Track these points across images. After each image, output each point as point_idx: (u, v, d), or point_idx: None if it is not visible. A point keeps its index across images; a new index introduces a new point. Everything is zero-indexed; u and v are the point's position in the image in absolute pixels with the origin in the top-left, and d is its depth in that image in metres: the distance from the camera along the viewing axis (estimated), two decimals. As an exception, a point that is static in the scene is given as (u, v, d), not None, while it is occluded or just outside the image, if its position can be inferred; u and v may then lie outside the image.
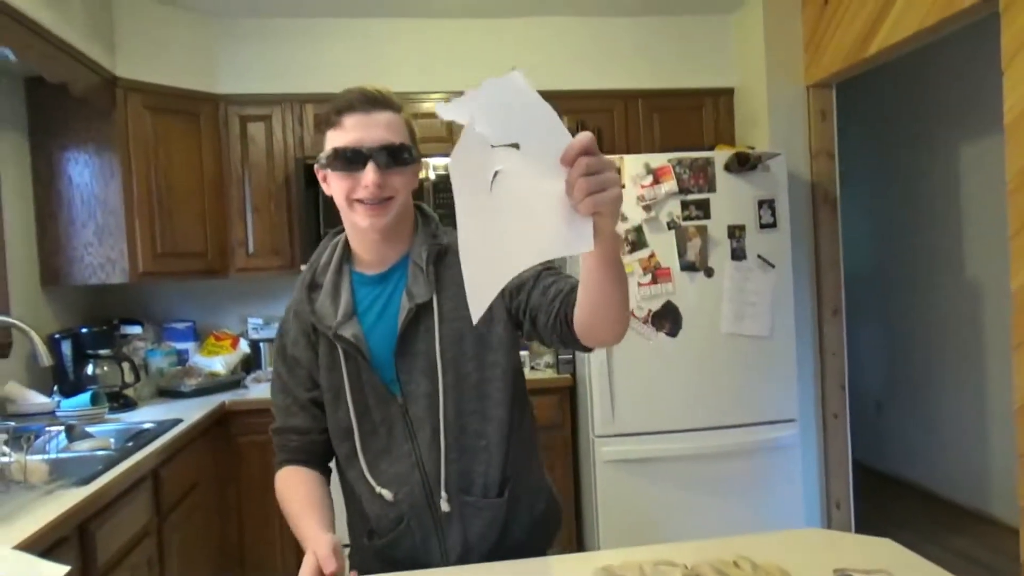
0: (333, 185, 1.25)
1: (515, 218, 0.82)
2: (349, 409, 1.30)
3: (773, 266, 3.05)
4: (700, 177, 3.01)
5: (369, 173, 1.19)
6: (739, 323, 3.03)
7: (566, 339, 1.18)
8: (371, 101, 1.22)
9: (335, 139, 1.22)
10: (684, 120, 3.59)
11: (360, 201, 1.22)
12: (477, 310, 0.86)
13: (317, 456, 1.37)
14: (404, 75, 3.41)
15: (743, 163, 3.00)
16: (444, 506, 1.28)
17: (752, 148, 3.31)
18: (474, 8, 3.36)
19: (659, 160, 3.00)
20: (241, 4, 3.21)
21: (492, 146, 0.82)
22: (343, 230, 1.36)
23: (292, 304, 1.37)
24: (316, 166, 1.28)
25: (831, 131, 3.38)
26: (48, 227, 2.96)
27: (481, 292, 0.86)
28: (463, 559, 1.30)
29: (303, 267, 3.24)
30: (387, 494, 1.28)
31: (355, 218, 1.24)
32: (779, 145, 3.28)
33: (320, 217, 3.22)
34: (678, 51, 3.59)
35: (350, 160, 1.20)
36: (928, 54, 3.19)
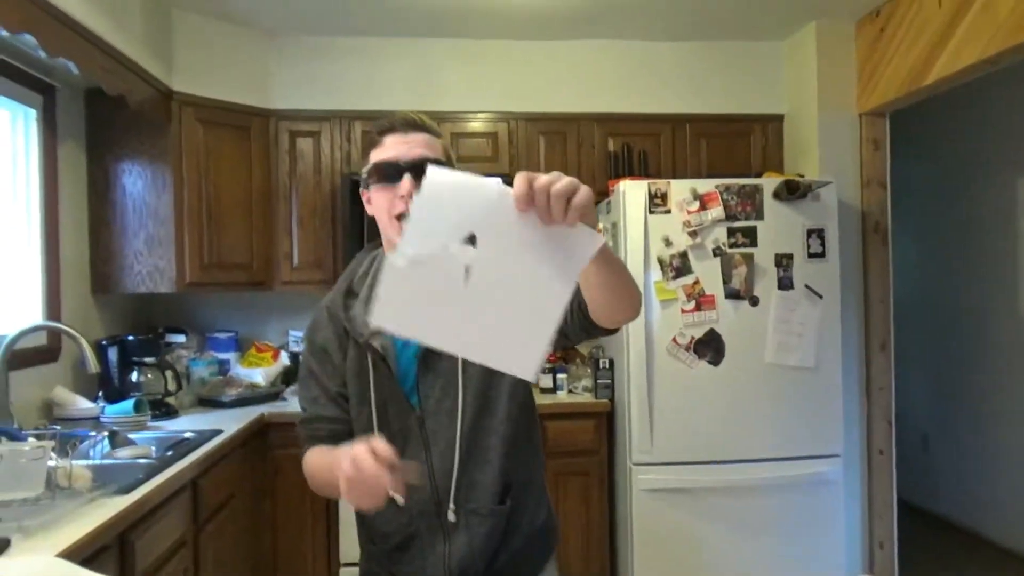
0: (375, 202, 1.31)
1: (518, 282, 0.85)
2: (372, 414, 1.34)
3: (821, 296, 2.98)
4: (748, 204, 2.97)
5: (405, 184, 1.25)
6: (784, 354, 2.97)
7: (588, 327, 1.21)
8: (410, 124, 1.31)
9: (375, 156, 1.31)
10: (732, 146, 3.55)
11: (399, 217, 1.26)
12: (532, 367, 0.88)
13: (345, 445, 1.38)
14: (453, 95, 3.44)
15: (792, 191, 2.95)
16: (451, 516, 1.32)
17: (801, 176, 3.25)
18: (523, 30, 3.38)
19: (706, 186, 2.96)
20: (296, 22, 3.26)
21: (451, 250, 0.84)
22: (380, 245, 1.41)
23: (326, 303, 1.41)
24: (361, 188, 1.35)
25: (884, 160, 3.31)
26: (101, 235, 3.02)
27: (533, 347, 0.87)
28: (466, 565, 1.34)
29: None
30: (399, 498, 1.28)
31: (394, 235, 1.28)
32: (829, 173, 3.21)
33: (364, 233, 3.24)
34: (727, 76, 3.56)
35: (387, 173, 1.27)
36: (985, 83, 3.11)
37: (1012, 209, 3.87)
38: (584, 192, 0.84)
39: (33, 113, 2.63)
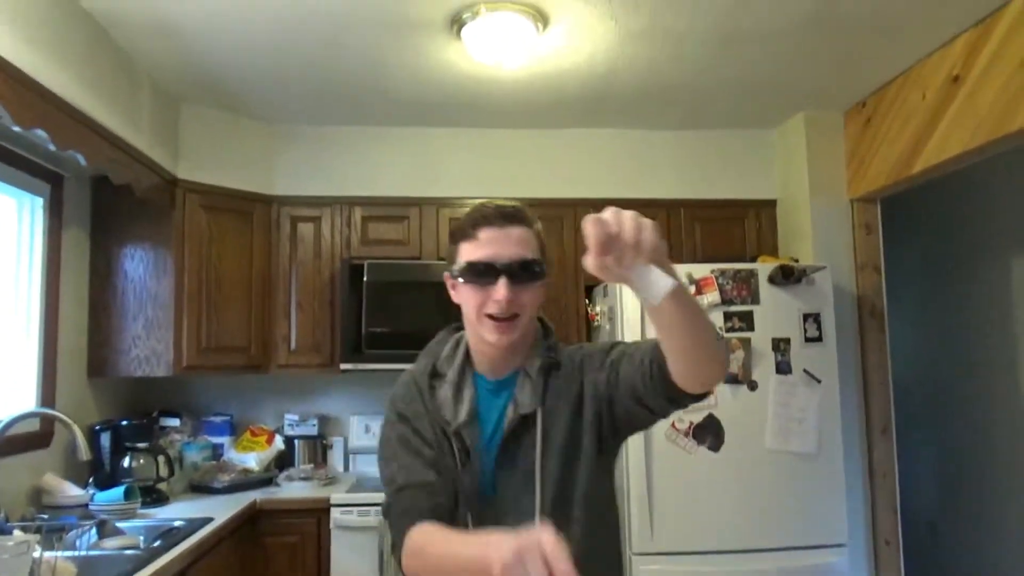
0: (463, 296, 1.27)
1: None
2: (461, 509, 1.24)
3: (819, 381, 2.97)
4: (743, 288, 2.99)
5: (501, 288, 1.21)
6: (784, 439, 2.93)
7: (671, 393, 1.12)
8: (506, 216, 1.25)
9: (469, 252, 1.24)
10: (726, 230, 3.61)
11: (490, 316, 1.23)
12: None
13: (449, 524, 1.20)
14: (451, 181, 3.52)
15: (787, 276, 2.98)
16: None
17: (796, 260, 3.29)
18: (522, 119, 3.48)
19: (702, 271, 2.99)
20: (299, 113, 3.37)
21: None
22: (461, 327, 1.36)
23: (414, 378, 1.35)
24: (446, 274, 1.31)
25: (877, 245, 3.35)
26: (100, 319, 3.04)
27: None
28: None
29: (343, 366, 3.28)
30: None
31: (483, 331, 1.25)
32: (823, 258, 3.25)
33: (363, 316, 3.26)
34: (720, 163, 3.65)
35: (483, 273, 1.22)
36: (975, 168, 3.17)
37: (1007, 292, 3.89)
38: (649, 236, 0.84)
39: (40, 201, 2.69)
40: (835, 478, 2.96)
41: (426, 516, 1.16)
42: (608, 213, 0.87)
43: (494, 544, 0.87)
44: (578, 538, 1.23)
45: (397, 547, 1.19)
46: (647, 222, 0.87)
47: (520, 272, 1.22)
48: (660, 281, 0.88)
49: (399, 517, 1.19)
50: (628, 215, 0.87)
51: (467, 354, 1.35)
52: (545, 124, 3.55)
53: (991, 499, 4.01)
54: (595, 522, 1.28)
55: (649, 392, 1.15)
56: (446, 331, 1.43)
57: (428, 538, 1.12)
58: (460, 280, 1.26)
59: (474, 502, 1.25)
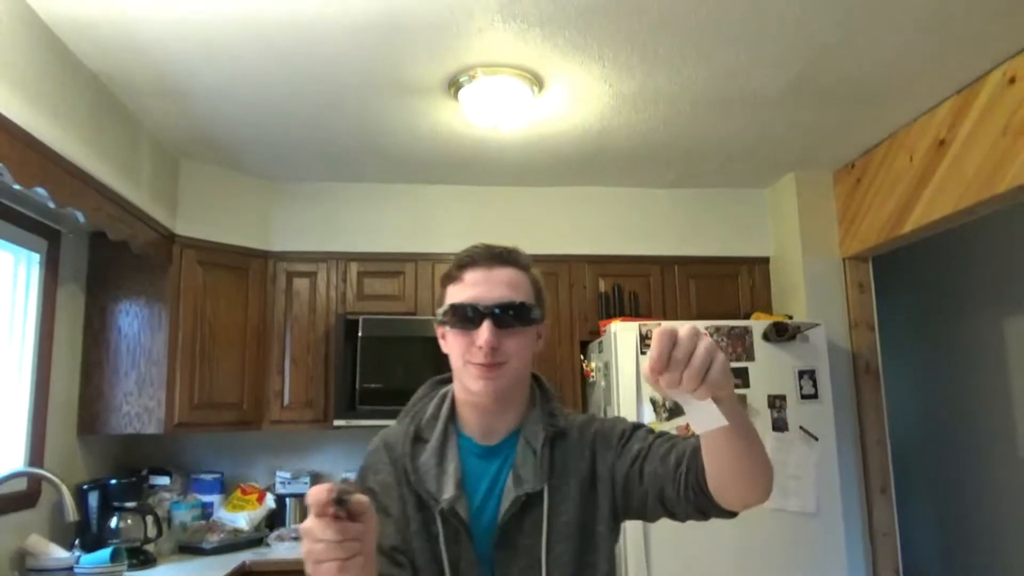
0: (450, 343, 1.17)
1: None
2: None
3: (816, 439, 2.96)
4: (738, 345, 3.00)
5: (483, 332, 1.11)
6: (783, 499, 2.90)
7: (704, 507, 1.06)
8: (494, 257, 1.17)
9: (454, 294, 1.16)
10: (720, 287, 3.63)
11: (473, 363, 1.13)
12: None
13: None
14: (447, 237, 3.54)
15: (781, 333, 2.99)
16: None
17: (790, 317, 3.31)
18: (518, 177, 3.53)
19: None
20: (296, 170, 3.41)
21: None
22: (448, 380, 1.26)
23: (386, 443, 1.23)
24: (436, 323, 1.21)
25: (870, 303, 3.38)
26: (92, 376, 3.01)
27: None
28: None
29: (336, 422, 3.25)
30: None
31: (467, 379, 1.15)
32: (817, 315, 3.27)
33: (357, 371, 3.24)
34: (713, 221, 3.69)
35: (466, 317, 1.12)
36: (967, 227, 3.22)
37: (1000, 347, 3.90)
38: (719, 366, 0.79)
39: (37, 257, 2.69)
40: (835, 537, 2.92)
41: None
42: (684, 331, 0.80)
43: None
44: None
45: None
46: (720, 356, 0.80)
47: (505, 316, 1.12)
48: (712, 417, 0.83)
49: None
50: (703, 344, 0.80)
51: (452, 412, 1.23)
52: (540, 182, 3.60)
53: (993, 558, 3.96)
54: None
55: (680, 501, 1.09)
56: (428, 385, 1.31)
57: None
58: (446, 325, 1.16)
59: None
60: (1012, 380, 3.84)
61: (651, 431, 1.20)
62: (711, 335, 2.92)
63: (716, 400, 0.83)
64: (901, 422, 4.19)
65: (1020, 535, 3.76)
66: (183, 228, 3.16)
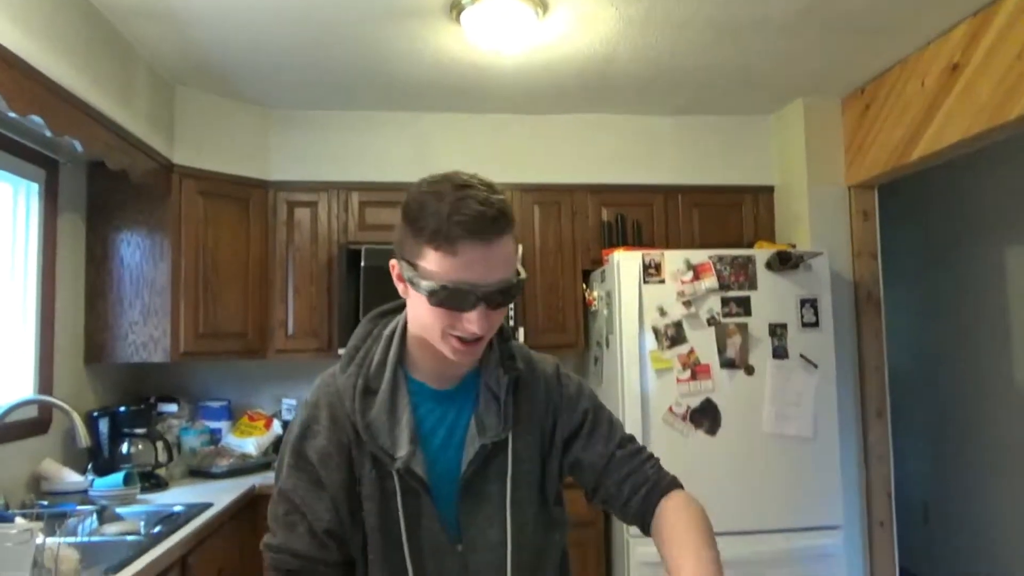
0: (426, 311, 1.03)
1: None
2: (405, 556, 1.09)
3: (816, 366, 2.99)
4: (741, 274, 3.00)
5: (475, 317, 1.01)
6: (781, 423, 2.96)
7: (637, 520, 1.17)
8: (490, 225, 0.99)
9: (443, 267, 0.99)
10: (724, 216, 3.61)
11: (456, 337, 1.05)
12: None
13: None
14: (449, 165, 3.43)
15: (785, 262, 2.99)
16: None
17: (793, 246, 3.30)
18: (519, 104, 3.46)
19: (700, 256, 3.00)
20: (295, 97, 3.34)
21: None
22: (392, 311, 1.20)
23: (327, 399, 1.14)
24: (394, 264, 1.09)
25: (874, 231, 3.36)
26: (97, 306, 3.03)
27: None
28: None
29: (340, 351, 3.27)
30: None
31: (444, 349, 1.06)
32: (821, 244, 3.26)
33: (360, 301, 3.26)
34: (718, 149, 3.64)
35: (459, 300, 1.00)
36: (973, 156, 3.18)
37: (1002, 275, 3.92)
38: None
39: (35, 187, 2.67)
40: (830, 461, 2.99)
41: None
42: None
43: None
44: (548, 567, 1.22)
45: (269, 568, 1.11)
46: None
47: (500, 296, 1.02)
48: None
49: (268, 572, 1.12)
50: None
51: (400, 354, 1.15)
52: (543, 110, 3.54)
53: (984, 481, 4.06)
54: (557, 549, 1.25)
55: (616, 510, 1.18)
56: (369, 321, 1.21)
57: None
58: (429, 299, 1.01)
59: (433, 545, 1.11)
60: (1012, 309, 3.87)
61: (611, 425, 1.22)
62: (714, 265, 2.94)
63: None
64: (899, 349, 4.24)
65: (1013, 460, 3.86)
66: (181, 157, 3.12)
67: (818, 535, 2.94)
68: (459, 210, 0.98)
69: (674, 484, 1.17)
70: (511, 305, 1.18)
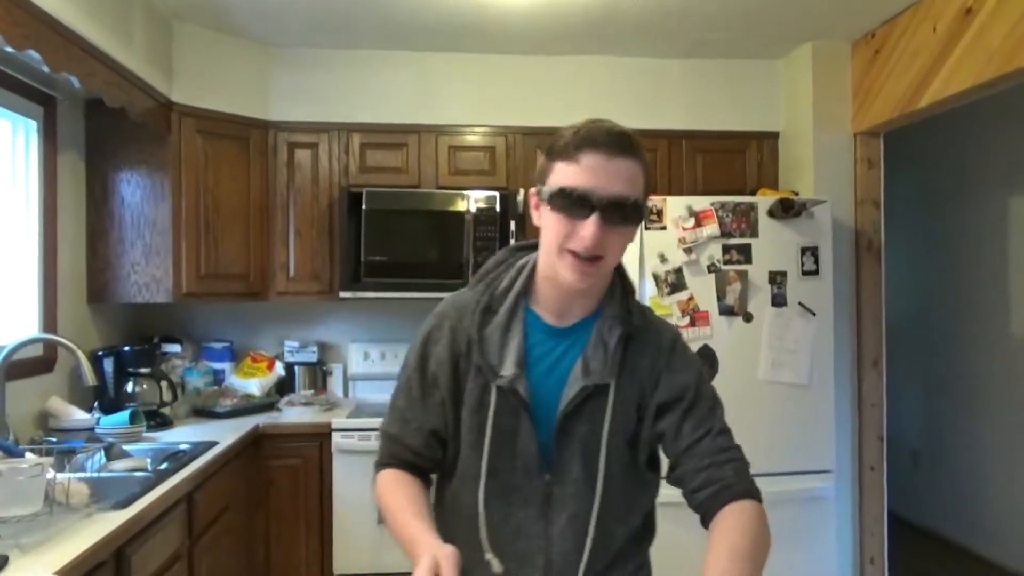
0: (547, 221, 1.11)
1: None
2: (483, 460, 1.16)
3: (814, 314, 3.01)
4: (743, 221, 2.99)
5: (590, 226, 1.06)
6: (777, 370, 2.99)
7: (697, 505, 1.14)
8: (616, 143, 1.07)
9: (566, 175, 1.08)
10: (727, 162, 3.58)
11: (572, 252, 1.09)
12: None
13: (424, 477, 1.24)
14: (451, 108, 3.46)
15: (787, 209, 2.98)
16: None
17: (796, 193, 3.28)
18: (521, 45, 3.40)
19: (702, 203, 2.99)
20: (295, 35, 3.28)
21: None
22: (529, 248, 1.25)
23: (452, 312, 1.22)
24: (532, 191, 1.16)
25: (878, 180, 3.34)
26: (98, 246, 3.03)
27: None
28: None
29: (342, 294, 3.30)
30: (496, 565, 1.14)
31: (560, 268, 1.11)
32: (824, 192, 3.25)
33: (362, 244, 3.25)
34: (724, 93, 3.59)
35: (575, 205, 1.06)
36: (979, 105, 3.14)
37: (1002, 227, 3.91)
38: None
39: (34, 124, 2.64)
40: (825, 408, 3.04)
41: (403, 466, 1.21)
42: None
43: (421, 544, 1.00)
44: (621, 521, 1.21)
45: (376, 467, 1.24)
46: None
47: (616, 212, 1.06)
48: None
49: (381, 453, 1.24)
50: None
51: (526, 285, 1.21)
52: (547, 51, 3.47)
53: (974, 431, 4.14)
54: (640, 511, 1.26)
55: (685, 494, 1.14)
56: (507, 251, 1.27)
57: (389, 487, 1.17)
58: (547, 204, 1.10)
59: (525, 467, 1.16)
60: (1011, 259, 3.88)
61: (711, 411, 1.18)
62: (716, 211, 2.93)
63: None
64: (897, 297, 4.26)
65: (1003, 407, 3.92)
66: (180, 95, 3.07)
67: (810, 479, 3.00)
68: (588, 129, 1.09)
69: (750, 493, 1.12)
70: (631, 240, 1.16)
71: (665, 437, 1.17)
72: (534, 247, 1.23)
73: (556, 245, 1.10)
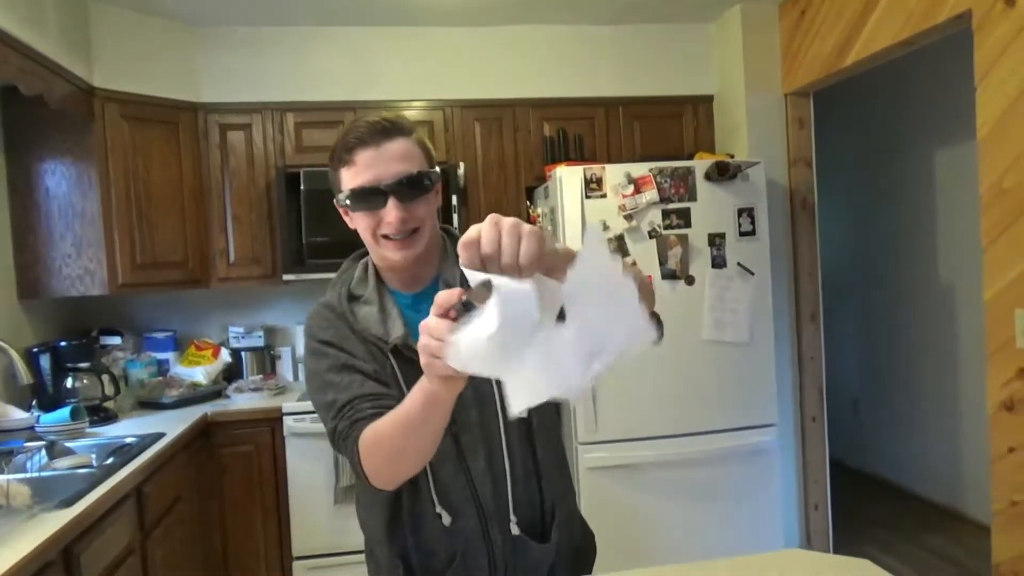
0: (357, 223, 1.22)
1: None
2: None
3: (752, 273, 3.09)
4: (681, 186, 3.04)
5: (391, 210, 1.16)
6: (720, 330, 3.07)
7: None
8: (380, 131, 1.18)
9: (351, 178, 1.19)
10: (664, 128, 3.62)
11: (387, 236, 1.19)
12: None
13: None
14: (387, 83, 3.41)
15: (723, 172, 3.03)
16: (514, 529, 1.23)
17: (731, 156, 3.34)
18: (457, 17, 3.36)
19: (640, 169, 3.02)
20: (221, 12, 3.18)
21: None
22: (366, 253, 1.32)
23: (322, 312, 1.29)
24: (336, 202, 1.24)
25: (809, 139, 3.42)
26: (26, 239, 2.92)
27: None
28: None
29: (286, 276, 3.25)
30: (446, 517, 1.23)
31: (385, 253, 1.22)
32: (758, 153, 3.31)
33: (302, 226, 3.21)
34: (658, 58, 3.62)
35: (369, 198, 1.17)
36: (906, 63, 3.23)
37: (930, 180, 4.06)
38: (528, 246, 0.80)
39: (-55, 116, 2.52)
40: (766, 364, 3.13)
41: (372, 420, 1.12)
42: (486, 228, 0.82)
43: (422, 383, 0.97)
44: (536, 438, 1.29)
45: (355, 463, 1.14)
46: (527, 228, 0.81)
47: (407, 189, 1.17)
48: (553, 293, 0.79)
49: (347, 432, 1.15)
50: (506, 228, 0.81)
51: (377, 275, 1.30)
52: (480, 22, 3.44)
53: (910, 377, 4.32)
54: (547, 426, 1.33)
55: None
56: (349, 260, 1.37)
57: (376, 426, 1.11)
58: (349, 208, 1.21)
59: None
60: (938, 212, 4.03)
61: None
62: (655, 177, 2.97)
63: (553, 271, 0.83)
64: (832, 252, 4.40)
65: (935, 354, 4.10)
66: (102, 80, 2.97)
67: (754, 433, 3.10)
68: (351, 131, 1.19)
69: None
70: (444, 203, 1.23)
71: None
72: (367, 252, 1.32)
73: (371, 238, 1.21)
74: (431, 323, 0.84)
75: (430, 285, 1.28)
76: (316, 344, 1.25)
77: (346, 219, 1.25)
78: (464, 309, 0.81)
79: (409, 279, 1.28)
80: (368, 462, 1.12)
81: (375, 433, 1.10)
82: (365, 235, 1.22)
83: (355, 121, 1.22)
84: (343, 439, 1.16)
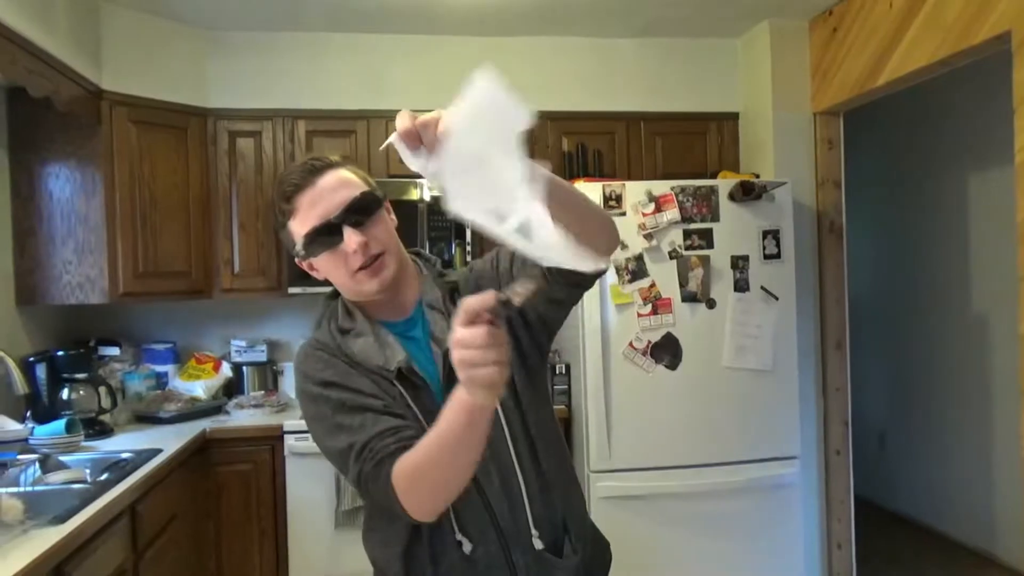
0: (324, 269, 1.20)
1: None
2: None
3: (776, 298, 2.97)
4: (703, 205, 2.93)
5: (350, 238, 1.14)
6: (740, 356, 2.95)
7: (574, 278, 1.15)
8: (311, 171, 1.17)
9: (300, 225, 1.17)
10: (687, 145, 3.51)
11: (358, 268, 1.17)
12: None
13: None
14: (401, 92, 3.33)
15: (748, 192, 2.92)
16: (537, 544, 1.20)
17: (757, 176, 3.24)
18: (475, 26, 3.28)
19: (661, 187, 2.92)
20: (233, 17, 3.11)
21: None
22: (339, 294, 1.28)
23: (317, 344, 1.25)
24: (297, 260, 1.22)
25: (838, 160, 3.31)
26: (26, 244, 2.84)
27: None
28: None
29: (292, 289, 3.15)
30: (467, 544, 1.19)
31: (362, 287, 1.19)
32: (784, 173, 3.20)
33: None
34: (682, 74, 3.52)
35: (325, 239, 1.15)
36: (939, 84, 3.13)
37: (963, 205, 3.93)
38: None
39: (-54, 115, 2.45)
40: (789, 393, 3.00)
41: (398, 455, 1.08)
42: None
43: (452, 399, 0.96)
44: (537, 445, 1.25)
45: (391, 501, 1.07)
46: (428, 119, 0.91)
47: (355, 214, 1.16)
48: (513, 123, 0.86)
49: (375, 474, 1.09)
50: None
51: (362, 309, 1.26)
52: (498, 32, 3.36)
53: (938, 410, 4.17)
54: (550, 437, 1.30)
55: (553, 285, 1.17)
56: (325, 300, 1.33)
57: (408, 459, 1.06)
58: (311, 256, 1.18)
59: None
60: (971, 238, 3.90)
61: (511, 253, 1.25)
62: (676, 196, 2.86)
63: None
64: (859, 278, 4.27)
65: (968, 388, 3.94)
66: (111, 83, 2.90)
67: (776, 465, 2.97)
68: (283, 183, 1.19)
69: None
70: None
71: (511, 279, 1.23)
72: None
73: (345, 276, 1.18)
74: (465, 334, 0.85)
75: (415, 311, 1.27)
76: (316, 387, 1.19)
77: (314, 274, 1.22)
78: (504, 305, 0.82)
79: (394, 307, 1.25)
80: (409, 498, 1.07)
81: (411, 467, 1.06)
82: (338, 278, 1.20)
83: (282, 174, 1.23)
84: (372, 481, 1.10)
